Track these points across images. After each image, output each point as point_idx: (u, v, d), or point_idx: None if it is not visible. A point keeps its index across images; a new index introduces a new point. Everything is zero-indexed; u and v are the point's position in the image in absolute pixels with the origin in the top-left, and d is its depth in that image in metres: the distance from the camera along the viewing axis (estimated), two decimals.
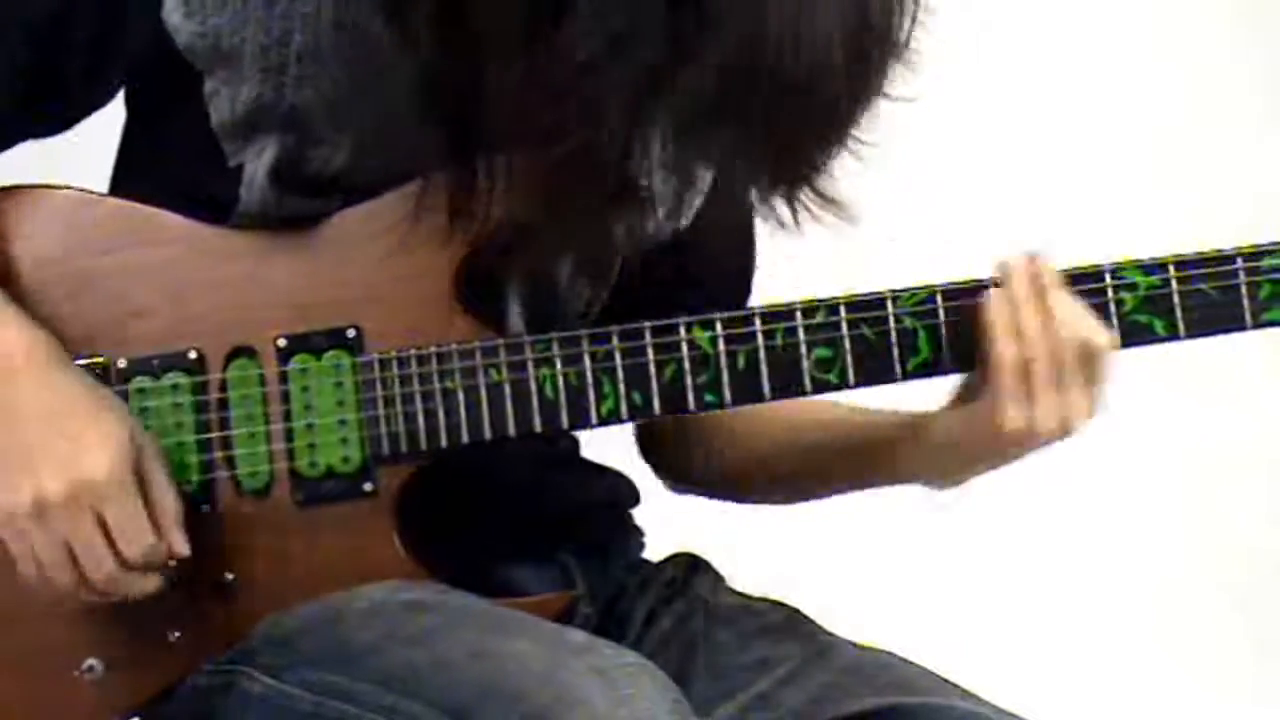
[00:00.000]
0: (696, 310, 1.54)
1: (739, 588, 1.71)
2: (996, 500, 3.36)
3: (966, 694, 1.54)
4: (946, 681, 1.55)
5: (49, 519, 1.45)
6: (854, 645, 1.60)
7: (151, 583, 1.50)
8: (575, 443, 1.75)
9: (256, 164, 1.54)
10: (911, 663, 1.57)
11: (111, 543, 1.46)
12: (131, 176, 1.66)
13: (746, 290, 1.76)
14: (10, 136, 1.61)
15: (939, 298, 1.52)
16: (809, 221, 1.44)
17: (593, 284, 1.65)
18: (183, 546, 1.49)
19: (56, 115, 1.62)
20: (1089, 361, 1.50)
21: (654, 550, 1.78)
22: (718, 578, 1.71)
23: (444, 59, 1.40)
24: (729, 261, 1.74)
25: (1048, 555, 3.41)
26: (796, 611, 1.65)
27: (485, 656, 1.40)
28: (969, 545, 3.38)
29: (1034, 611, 3.38)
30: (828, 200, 1.44)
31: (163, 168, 1.61)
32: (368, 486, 1.54)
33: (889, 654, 1.59)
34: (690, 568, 1.71)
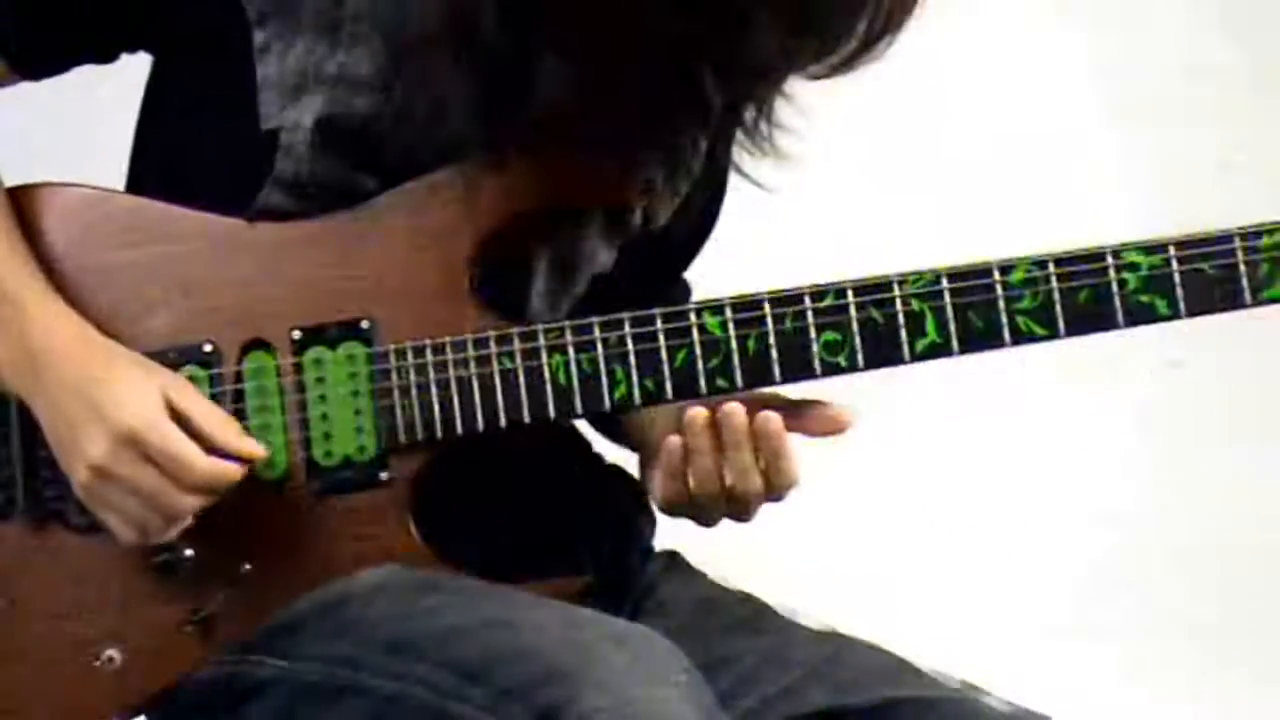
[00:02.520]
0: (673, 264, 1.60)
1: (719, 575, 1.73)
2: (982, 496, 3.44)
3: (924, 678, 1.56)
4: (905, 665, 1.58)
5: (110, 478, 1.49)
6: (818, 636, 1.62)
7: (234, 472, 1.51)
8: (584, 439, 1.78)
9: (298, 125, 1.55)
10: (874, 649, 1.60)
11: (171, 476, 1.49)
12: (154, 152, 1.67)
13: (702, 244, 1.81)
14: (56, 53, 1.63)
15: (945, 280, 1.54)
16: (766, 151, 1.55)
17: (610, 249, 1.67)
18: (256, 448, 1.52)
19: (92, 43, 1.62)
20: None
21: None
22: (691, 574, 1.73)
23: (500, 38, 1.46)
24: (701, 223, 1.78)
25: (1025, 548, 3.46)
26: (765, 606, 1.67)
27: (499, 624, 1.43)
28: (949, 536, 3.43)
29: (1013, 601, 3.43)
30: (780, 126, 1.52)
31: (192, 135, 1.62)
32: (383, 475, 1.55)
33: (852, 644, 1.61)
34: (665, 567, 1.74)
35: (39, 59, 1.62)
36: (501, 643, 1.40)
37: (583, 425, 1.78)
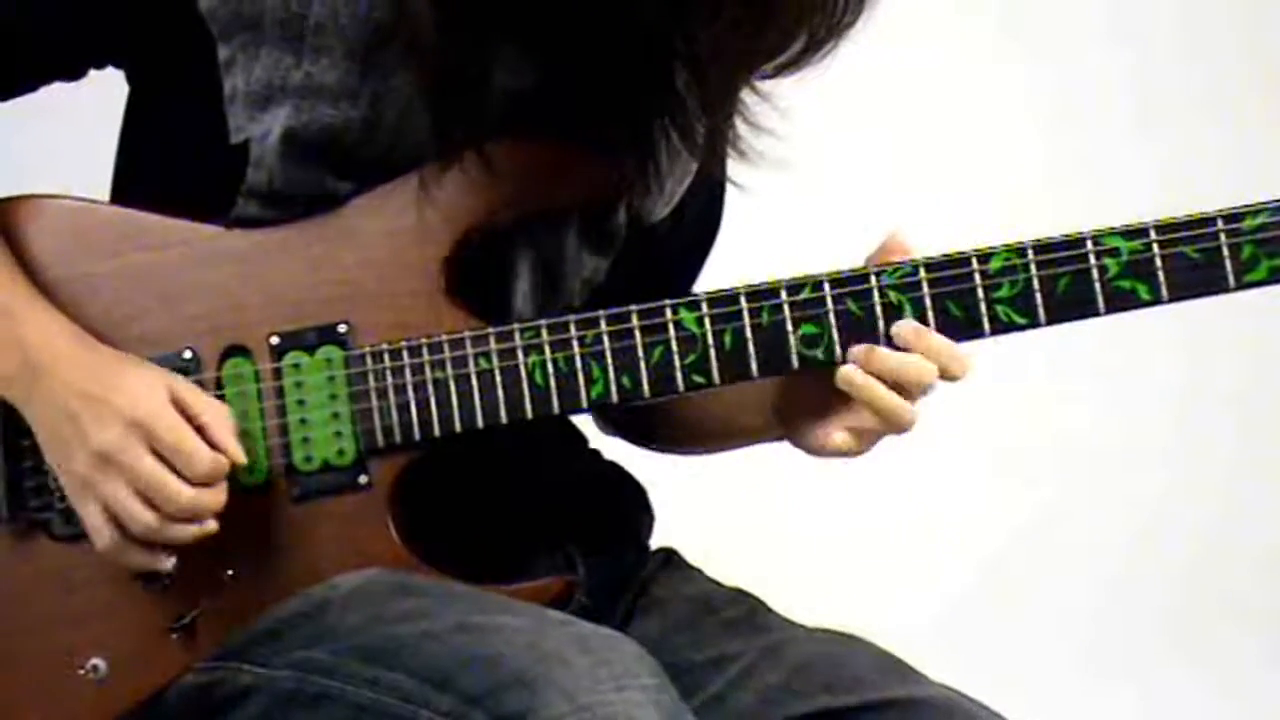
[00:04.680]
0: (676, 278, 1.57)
1: (716, 572, 1.72)
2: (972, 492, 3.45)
3: (921, 677, 1.55)
4: (902, 664, 1.57)
5: (110, 466, 1.49)
6: (813, 634, 1.61)
7: (222, 495, 1.50)
8: (581, 436, 1.77)
9: (267, 137, 1.54)
10: (871, 648, 1.59)
11: (174, 469, 1.49)
12: (134, 165, 1.67)
13: (704, 259, 1.79)
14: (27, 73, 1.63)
15: (923, 270, 1.52)
16: (747, 154, 1.52)
17: (597, 256, 1.66)
18: (240, 455, 1.51)
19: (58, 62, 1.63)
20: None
21: None
22: (686, 572, 1.72)
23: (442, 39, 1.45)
24: (700, 234, 1.76)
25: (1030, 551, 3.46)
26: (761, 604, 1.66)
27: (469, 630, 1.42)
28: (951, 537, 3.43)
29: (1020, 603, 3.43)
30: (759, 129, 1.50)
31: (167, 150, 1.62)
32: (362, 479, 1.55)
33: (848, 642, 1.60)
34: (662, 565, 1.72)
35: (7, 81, 1.62)
36: (469, 648, 1.40)
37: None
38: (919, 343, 1.51)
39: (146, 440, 1.49)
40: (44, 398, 1.52)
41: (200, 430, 1.50)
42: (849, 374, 1.52)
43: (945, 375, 1.52)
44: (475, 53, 1.49)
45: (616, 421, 1.81)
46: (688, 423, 1.74)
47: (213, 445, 1.50)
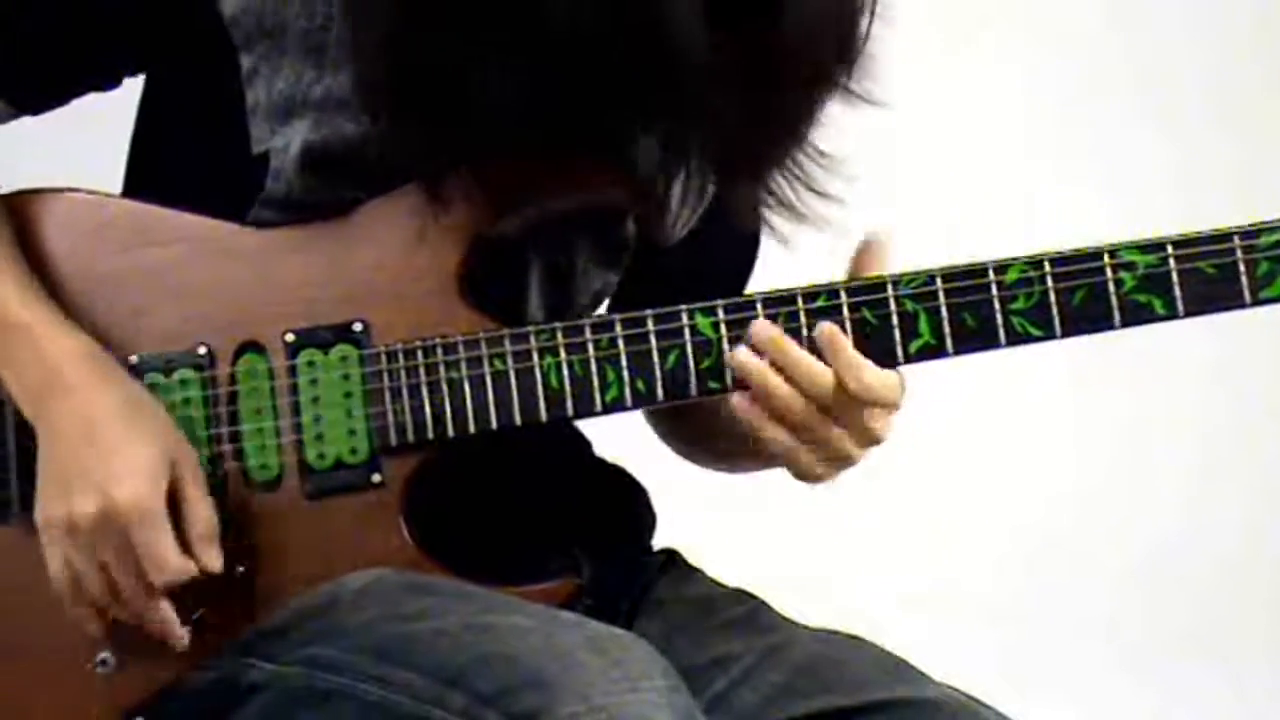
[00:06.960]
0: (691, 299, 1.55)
1: (721, 573, 1.72)
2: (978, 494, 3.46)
3: (924, 678, 1.55)
4: (905, 665, 1.57)
5: (80, 537, 1.49)
6: (816, 635, 1.61)
7: (172, 617, 1.51)
8: (584, 438, 1.77)
9: (287, 149, 1.55)
10: (872, 648, 1.59)
11: (138, 568, 1.49)
12: (147, 169, 1.67)
13: (740, 290, 1.76)
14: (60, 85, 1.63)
15: (939, 280, 1.52)
16: (805, 219, 1.52)
17: (606, 270, 1.66)
18: (215, 563, 1.51)
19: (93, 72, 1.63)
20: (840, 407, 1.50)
21: None
22: (688, 573, 1.73)
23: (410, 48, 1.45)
24: (729, 263, 1.75)
25: (1032, 554, 3.47)
26: (762, 604, 1.67)
27: (480, 629, 1.42)
28: (956, 540, 3.44)
29: (1010, 600, 3.44)
30: (821, 194, 1.49)
31: (183, 155, 1.63)
32: (375, 478, 1.55)
33: (851, 642, 1.60)
34: (662, 567, 1.73)
35: (39, 99, 1.63)
36: (482, 647, 1.40)
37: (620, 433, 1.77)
38: (830, 349, 1.49)
39: (123, 536, 1.48)
40: (51, 423, 1.52)
41: (181, 524, 1.50)
42: (739, 356, 1.49)
43: (856, 394, 1.49)
44: (487, 64, 1.48)
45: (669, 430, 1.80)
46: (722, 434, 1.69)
47: (186, 547, 1.50)
